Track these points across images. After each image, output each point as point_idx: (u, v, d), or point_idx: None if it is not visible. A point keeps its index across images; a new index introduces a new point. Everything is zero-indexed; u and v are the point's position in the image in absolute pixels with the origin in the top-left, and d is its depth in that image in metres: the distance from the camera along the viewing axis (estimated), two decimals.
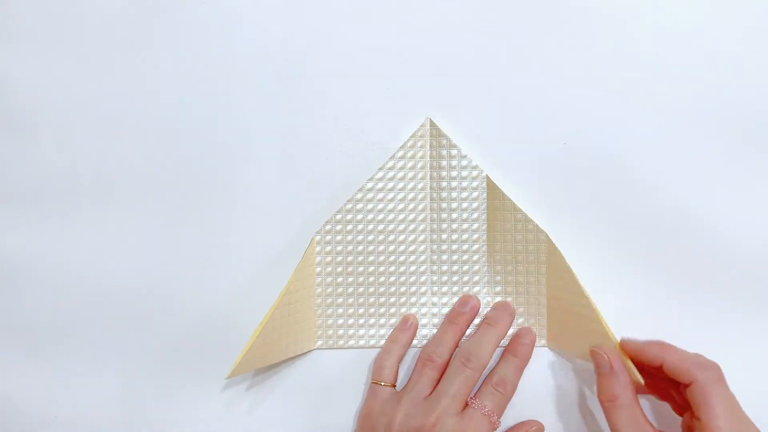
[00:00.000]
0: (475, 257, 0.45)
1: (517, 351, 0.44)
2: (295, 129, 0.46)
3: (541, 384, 0.45)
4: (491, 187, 0.45)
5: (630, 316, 0.42)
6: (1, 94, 0.46)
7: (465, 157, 0.45)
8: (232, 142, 0.46)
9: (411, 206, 0.45)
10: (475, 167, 0.45)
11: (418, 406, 0.41)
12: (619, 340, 0.40)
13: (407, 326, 0.45)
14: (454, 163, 0.45)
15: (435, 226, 0.45)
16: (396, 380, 0.44)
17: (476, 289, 0.45)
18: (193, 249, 0.46)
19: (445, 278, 0.45)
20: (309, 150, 0.46)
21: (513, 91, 0.45)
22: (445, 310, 0.45)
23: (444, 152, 0.45)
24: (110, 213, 0.46)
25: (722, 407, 0.36)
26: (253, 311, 0.44)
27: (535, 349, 0.44)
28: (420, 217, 0.45)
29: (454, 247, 0.45)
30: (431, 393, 0.42)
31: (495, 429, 0.41)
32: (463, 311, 0.45)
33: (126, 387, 0.46)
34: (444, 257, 0.45)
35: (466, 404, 0.41)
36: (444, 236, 0.45)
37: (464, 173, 0.45)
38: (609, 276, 0.45)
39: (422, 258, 0.45)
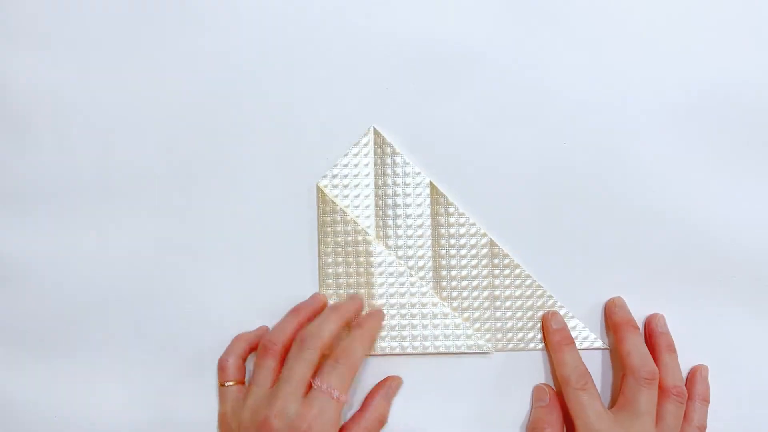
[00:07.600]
0: (420, 263, 0.45)
1: (363, 322, 0.42)
2: (295, 129, 0.46)
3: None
4: (435, 193, 0.45)
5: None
6: (1, 94, 0.46)
7: (408, 164, 0.45)
8: (232, 143, 0.46)
9: (356, 213, 0.45)
10: (418, 173, 0.45)
11: (262, 399, 0.39)
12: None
13: None
14: (398, 170, 0.45)
15: (381, 233, 0.45)
16: (243, 376, 0.43)
17: (425, 291, 0.44)
18: (194, 248, 0.46)
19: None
20: (308, 150, 0.46)
21: (512, 91, 0.45)
22: (393, 312, 0.45)
23: (388, 159, 0.45)
24: (110, 213, 0.46)
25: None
26: (254, 311, 0.45)
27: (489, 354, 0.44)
28: (366, 224, 0.45)
29: (400, 253, 0.45)
30: (273, 383, 0.40)
31: (342, 405, 0.39)
32: (308, 304, 0.43)
33: (126, 386, 0.46)
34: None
35: (310, 386, 0.39)
36: (389, 242, 0.45)
37: (408, 180, 0.45)
38: (609, 275, 0.45)
39: None
